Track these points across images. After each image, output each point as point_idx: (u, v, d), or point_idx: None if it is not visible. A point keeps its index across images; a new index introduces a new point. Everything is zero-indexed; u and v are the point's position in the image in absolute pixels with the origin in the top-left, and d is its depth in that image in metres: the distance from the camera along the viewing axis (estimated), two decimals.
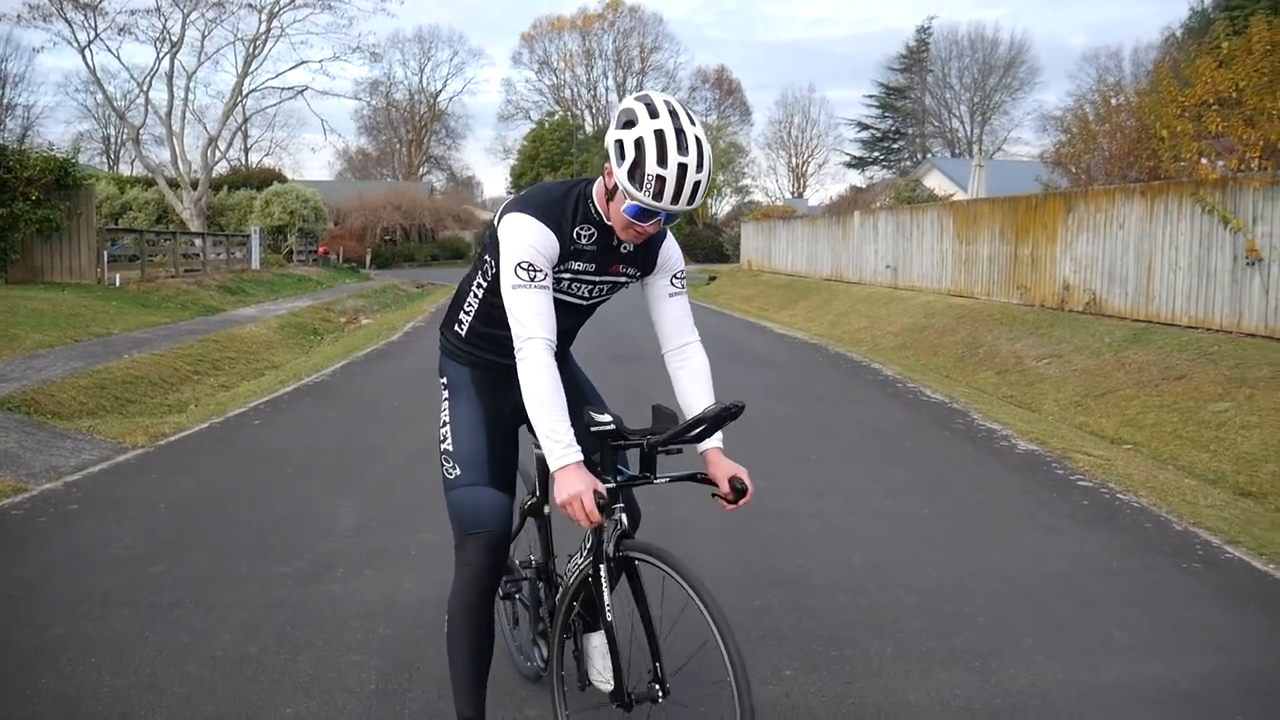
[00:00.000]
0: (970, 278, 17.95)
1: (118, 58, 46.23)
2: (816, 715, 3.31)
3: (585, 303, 2.77)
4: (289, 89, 37.02)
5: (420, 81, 72.57)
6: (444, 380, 2.93)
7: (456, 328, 2.90)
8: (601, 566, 2.61)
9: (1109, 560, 5.00)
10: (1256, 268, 10.73)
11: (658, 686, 2.54)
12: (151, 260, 22.68)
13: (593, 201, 2.60)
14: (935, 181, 41.78)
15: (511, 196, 2.72)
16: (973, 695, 3.48)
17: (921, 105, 67.93)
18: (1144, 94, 17.04)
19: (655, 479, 2.57)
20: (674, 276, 2.79)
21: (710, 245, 51.11)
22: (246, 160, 58.33)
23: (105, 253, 19.31)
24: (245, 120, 42.16)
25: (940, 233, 19.36)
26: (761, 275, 31.93)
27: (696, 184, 2.39)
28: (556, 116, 68.82)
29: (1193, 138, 12.78)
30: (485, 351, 2.83)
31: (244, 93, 35.40)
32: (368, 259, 46.07)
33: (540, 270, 2.52)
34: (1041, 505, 6.10)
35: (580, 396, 2.90)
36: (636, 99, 2.44)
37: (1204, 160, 12.74)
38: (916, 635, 4.00)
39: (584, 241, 2.62)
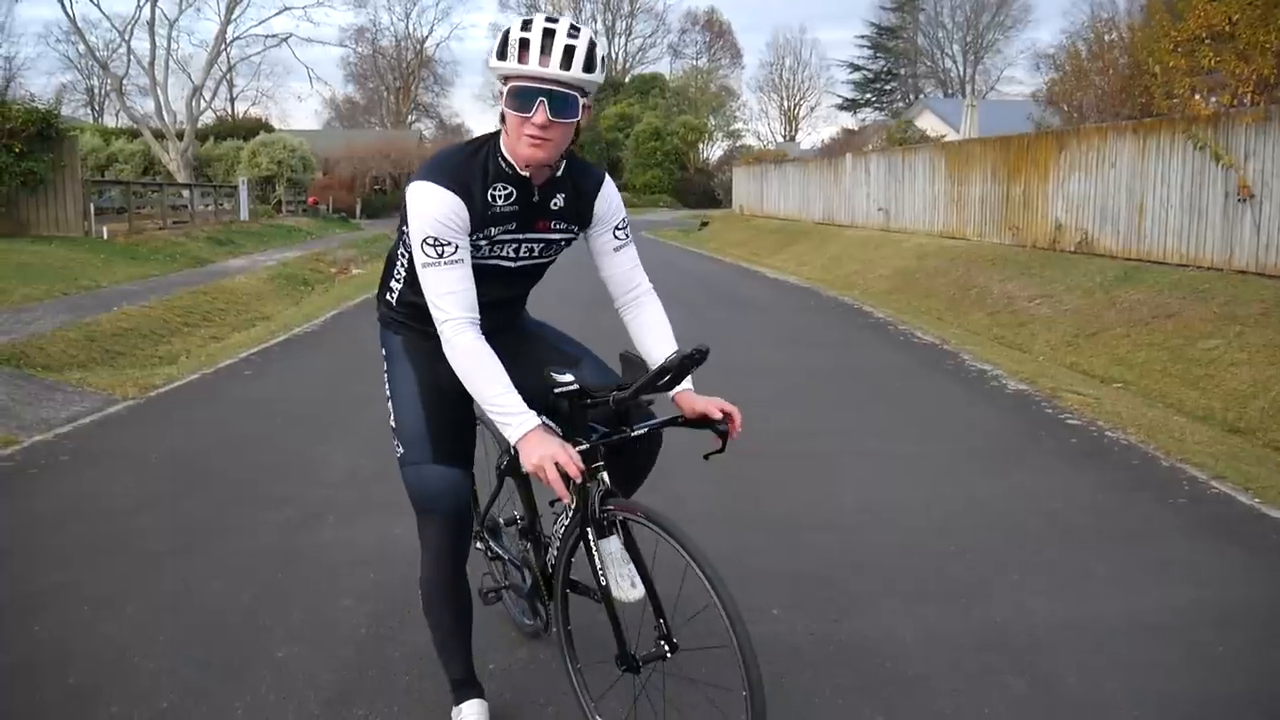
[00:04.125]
0: (962, 219, 17.87)
1: (98, 6, 45.51)
2: (803, 652, 3.35)
3: (513, 264, 2.59)
4: (273, 36, 36.88)
5: (406, 27, 72.14)
6: (383, 351, 2.78)
7: (388, 296, 2.73)
8: (590, 529, 2.51)
9: (1096, 497, 5.04)
10: (1248, 204, 10.68)
11: (664, 643, 2.44)
12: (139, 212, 22.48)
13: (503, 154, 2.43)
14: (928, 122, 41.44)
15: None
16: (959, 630, 3.52)
17: (913, 45, 67.23)
18: (1137, 30, 16.87)
19: (632, 431, 2.46)
20: (615, 229, 2.63)
21: (702, 190, 50.72)
22: (233, 110, 57.68)
23: (92, 205, 19.14)
24: (230, 69, 41.63)
25: (932, 174, 19.24)
26: (754, 220, 31.78)
27: (569, 48, 2.26)
28: None
29: (1185, 73, 12.69)
30: (417, 320, 2.63)
31: (227, 41, 34.92)
32: (357, 208, 45.65)
33: (449, 244, 2.37)
34: (1030, 444, 6.13)
35: (546, 356, 2.73)
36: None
37: (1196, 96, 12.66)
38: (904, 573, 4.04)
39: (501, 203, 2.45)
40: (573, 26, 2.30)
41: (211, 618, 3.62)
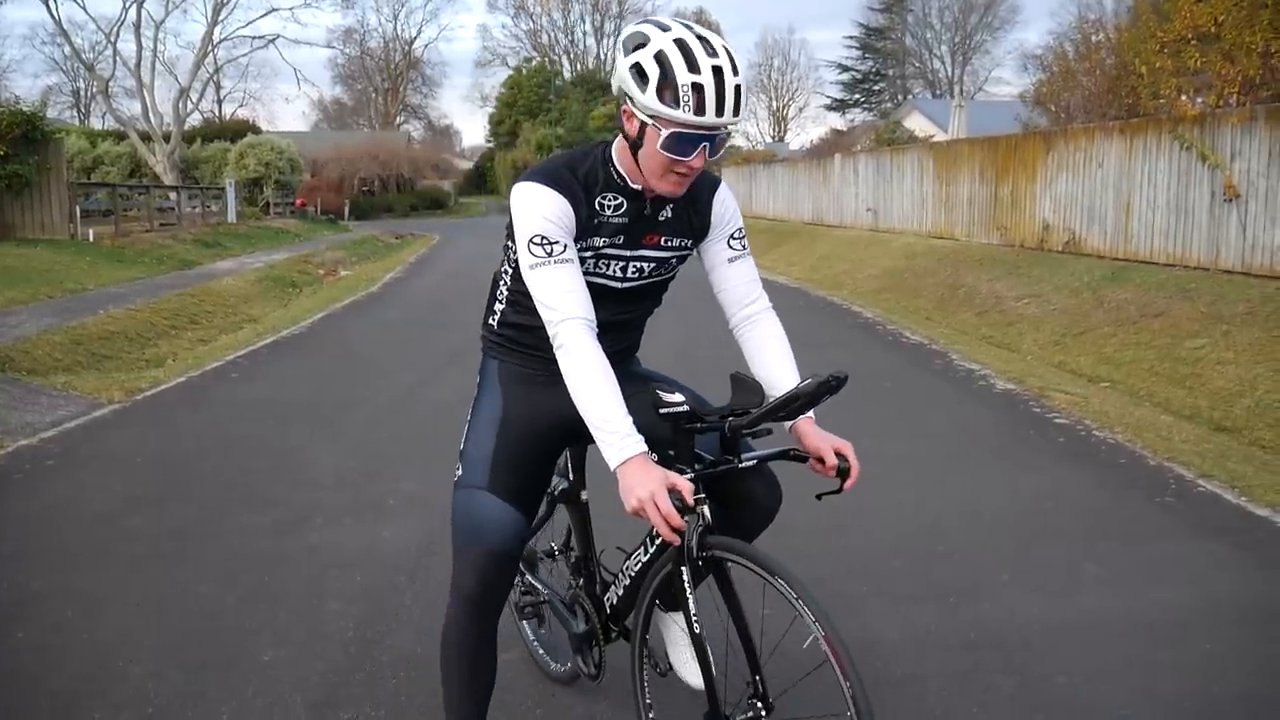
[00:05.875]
0: (950, 219, 17.91)
1: (83, 8, 45.45)
2: (791, 654, 3.33)
3: (620, 285, 2.34)
4: (260, 38, 36.86)
5: (394, 28, 72.01)
6: (478, 378, 2.54)
7: (490, 320, 2.50)
8: (684, 569, 2.23)
9: (1084, 496, 5.05)
10: (1234, 204, 10.72)
11: (759, 703, 2.21)
12: (125, 215, 22.37)
13: (614, 165, 2.23)
14: (916, 123, 41.52)
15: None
16: (948, 631, 3.51)
17: (902, 46, 67.36)
18: (1124, 30, 16.94)
19: (741, 462, 2.22)
20: (731, 238, 2.42)
21: None
22: (220, 112, 57.72)
23: (77, 208, 19.05)
24: (217, 71, 41.63)
25: (920, 174, 19.27)
26: (742, 220, 31.75)
27: (737, 88, 2.03)
28: (534, 63, 67.95)
29: (1172, 74, 12.72)
30: (520, 344, 2.42)
31: (214, 42, 34.87)
32: (346, 210, 45.61)
33: (558, 242, 2.15)
34: (1018, 443, 6.14)
35: (646, 386, 2.40)
36: (640, 23, 2.11)
37: (1183, 97, 12.70)
38: (893, 574, 4.03)
39: (609, 212, 2.24)
40: (730, 58, 2.06)
41: (198, 621, 3.60)
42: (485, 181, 64.84)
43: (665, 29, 2.07)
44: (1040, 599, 3.77)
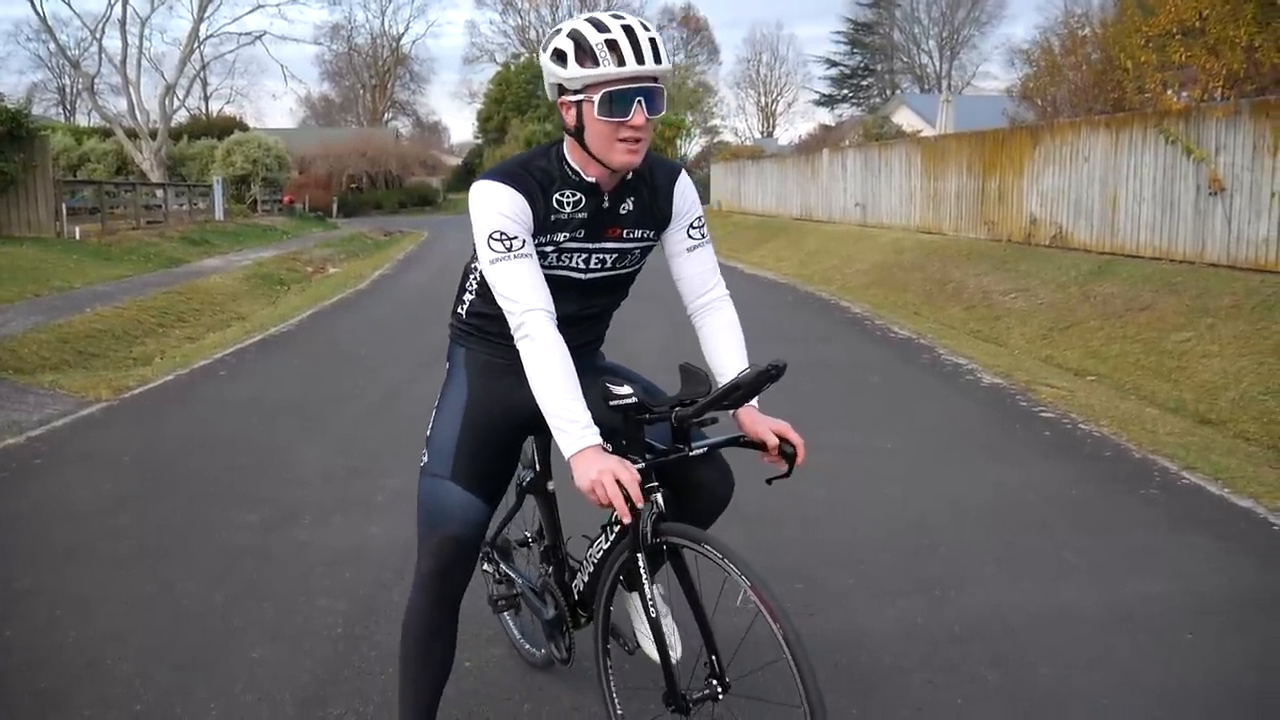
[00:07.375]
0: (938, 214, 17.94)
1: (68, 4, 45.25)
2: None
3: (583, 275, 2.38)
4: (247, 34, 36.68)
5: (382, 25, 71.57)
6: (447, 364, 2.61)
7: (459, 309, 2.57)
8: (640, 555, 2.31)
9: (1068, 489, 5.08)
10: (1219, 198, 10.77)
11: (716, 682, 2.29)
12: (112, 212, 22.27)
13: (568, 162, 2.29)
14: (904, 118, 41.59)
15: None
16: (933, 623, 3.54)
17: (890, 41, 67.40)
18: (1109, 24, 16.99)
19: (691, 450, 2.29)
20: (690, 227, 2.46)
21: None
22: (207, 109, 57.42)
23: (64, 205, 18.95)
24: (203, 67, 41.47)
25: (908, 170, 19.30)
26: (732, 216, 31.81)
27: (652, 40, 2.14)
28: (522, 59, 67.67)
29: (1156, 68, 12.74)
30: (488, 333, 2.48)
31: (200, 38, 34.70)
32: (334, 207, 45.44)
33: (516, 238, 2.22)
34: (1004, 437, 6.17)
35: (601, 377, 2.45)
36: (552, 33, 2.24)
37: (1168, 91, 12.73)
38: (879, 566, 4.06)
39: (569, 209, 2.30)
40: (640, 24, 2.18)
41: (186, 619, 3.60)
42: (474, 178, 64.57)
43: (573, 20, 2.22)
44: (1025, 591, 3.80)
